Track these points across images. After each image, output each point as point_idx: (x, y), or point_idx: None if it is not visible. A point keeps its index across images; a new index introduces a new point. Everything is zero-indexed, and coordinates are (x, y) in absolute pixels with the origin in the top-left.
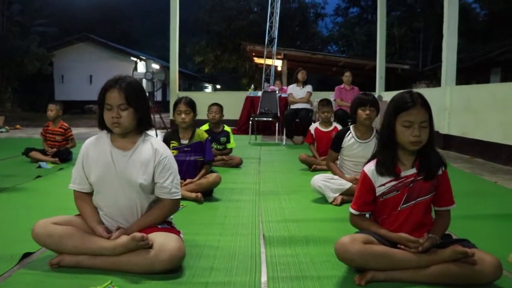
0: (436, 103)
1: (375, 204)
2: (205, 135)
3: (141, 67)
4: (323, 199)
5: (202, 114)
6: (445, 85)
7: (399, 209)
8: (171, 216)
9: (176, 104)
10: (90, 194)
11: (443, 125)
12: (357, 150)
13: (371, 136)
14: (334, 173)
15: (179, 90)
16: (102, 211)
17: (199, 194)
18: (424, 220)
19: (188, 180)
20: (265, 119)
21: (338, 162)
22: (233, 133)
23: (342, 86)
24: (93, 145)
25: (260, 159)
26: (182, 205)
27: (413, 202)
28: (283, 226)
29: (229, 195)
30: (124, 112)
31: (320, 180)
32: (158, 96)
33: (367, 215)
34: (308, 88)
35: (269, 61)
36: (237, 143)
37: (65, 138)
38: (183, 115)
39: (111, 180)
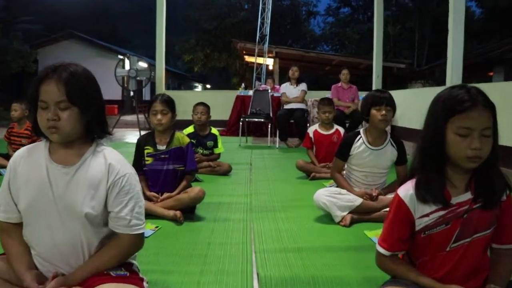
0: None
1: (412, 241)
2: (186, 140)
3: (128, 64)
4: (327, 218)
5: (188, 114)
6: (450, 84)
7: (448, 249)
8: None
9: (151, 103)
10: (20, 225)
11: None
12: (369, 159)
13: (385, 141)
14: (341, 186)
15: (168, 89)
16: (35, 250)
17: (178, 213)
18: (482, 263)
19: (165, 195)
20: (256, 120)
21: (344, 172)
22: (222, 135)
23: (339, 84)
24: (24, 159)
25: (252, 164)
26: (156, 227)
27: (468, 239)
28: (281, 258)
29: (215, 212)
30: (65, 112)
31: (325, 196)
32: (146, 95)
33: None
34: (303, 86)
35: (260, 60)
36: (227, 146)
37: (32, 141)
38: (159, 116)
39: (46, 208)
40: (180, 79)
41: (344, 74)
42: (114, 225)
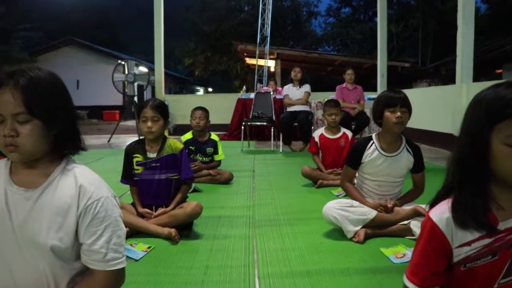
0: (450, 102)
1: (449, 275)
2: (179, 146)
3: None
4: (338, 233)
5: (188, 119)
6: (460, 82)
7: (496, 285)
8: None
9: (140, 108)
10: None
11: (458, 127)
12: (383, 167)
13: (400, 147)
14: (353, 197)
15: (170, 93)
16: None
17: (173, 231)
18: None
19: (159, 211)
20: (259, 123)
21: (355, 181)
22: (224, 139)
23: (344, 85)
24: None
25: (254, 171)
26: (149, 247)
27: None
28: (289, 284)
29: (215, 227)
30: (25, 126)
31: (335, 209)
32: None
33: None
34: (306, 88)
35: (261, 62)
36: (228, 151)
37: None
38: (149, 123)
39: (3, 241)
40: (181, 83)
41: (349, 74)
42: (87, 259)
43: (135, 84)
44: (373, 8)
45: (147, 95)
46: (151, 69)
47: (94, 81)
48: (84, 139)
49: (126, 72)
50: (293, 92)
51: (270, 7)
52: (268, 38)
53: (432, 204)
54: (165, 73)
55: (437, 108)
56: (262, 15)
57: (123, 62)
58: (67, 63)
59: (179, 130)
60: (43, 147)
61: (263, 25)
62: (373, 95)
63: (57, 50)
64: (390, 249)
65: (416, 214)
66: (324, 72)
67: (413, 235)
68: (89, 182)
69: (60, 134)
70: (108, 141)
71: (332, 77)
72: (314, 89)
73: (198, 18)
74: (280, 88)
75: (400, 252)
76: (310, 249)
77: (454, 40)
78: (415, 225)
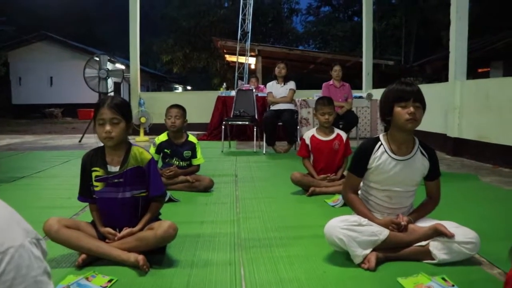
0: (443, 101)
1: None
2: (147, 156)
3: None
4: (343, 256)
5: (164, 118)
6: (454, 80)
7: None
8: None
9: (97, 108)
10: None
11: (452, 127)
12: (394, 173)
13: (413, 149)
14: (358, 213)
15: (147, 91)
16: None
17: (140, 258)
18: None
19: (125, 231)
20: (240, 122)
21: (360, 192)
22: (203, 139)
23: (331, 82)
24: None
25: (237, 176)
26: (110, 281)
27: None
28: None
29: (193, 250)
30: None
31: (341, 228)
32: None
33: None
34: (291, 85)
35: (242, 59)
36: (207, 152)
37: None
38: (107, 127)
39: None
40: (159, 81)
41: (336, 70)
42: None
43: (109, 80)
44: (353, 7)
45: (123, 93)
46: (128, 66)
47: (69, 78)
48: (54, 139)
49: (98, 68)
50: (277, 90)
51: (252, 1)
52: (249, 34)
53: None
54: (142, 70)
55: (428, 107)
56: (243, 10)
57: (96, 58)
58: (40, 59)
59: (155, 129)
60: None
61: (244, 20)
62: (359, 93)
63: (29, 46)
64: (409, 279)
65: (436, 233)
66: (305, 70)
67: (433, 259)
68: None
69: None
70: (80, 141)
71: (314, 76)
72: (296, 87)
73: (177, 14)
74: (262, 86)
75: (424, 285)
76: (312, 280)
77: (438, 38)
78: (436, 247)
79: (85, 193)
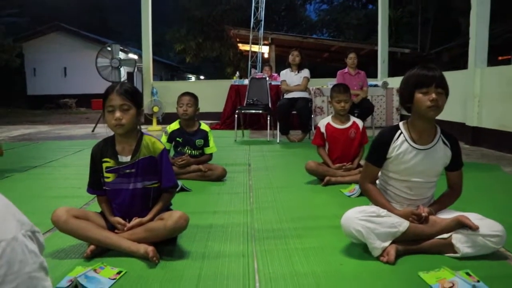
0: (462, 89)
1: None
2: (159, 146)
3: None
4: (361, 249)
5: (174, 107)
6: (474, 67)
7: None
8: None
9: (106, 95)
10: None
11: (471, 115)
12: (414, 162)
13: (435, 138)
14: (377, 203)
15: (161, 80)
16: None
17: (150, 250)
18: None
19: (135, 220)
20: (253, 111)
21: (378, 182)
22: (216, 128)
23: (346, 70)
24: None
25: (250, 165)
26: (119, 272)
27: None
28: None
29: (205, 241)
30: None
31: (359, 220)
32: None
33: None
34: (305, 73)
35: (255, 47)
36: (221, 141)
37: None
38: (117, 114)
39: None
40: (173, 70)
41: (352, 58)
42: None
43: (122, 70)
44: None
45: (137, 82)
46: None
47: (82, 68)
48: (68, 129)
49: (110, 57)
50: (291, 78)
51: None
52: (262, 22)
53: None
54: (155, 60)
55: None
56: None
57: (108, 47)
58: (54, 50)
59: (168, 118)
60: None
61: (256, 8)
62: (374, 81)
63: (43, 37)
64: (431, 273)
65: (459, 225)
66: (319, 59)
67: (456, 252)
68: None
69: None
70: (93, 131)
71: (328, 65)
72: (311, 76)
73: (189, 3)
74: (275, 74)
75: (447, 280)
76: (328, 273)
77: (456, 25)
78: (459, 240)
79: (94, 185)
